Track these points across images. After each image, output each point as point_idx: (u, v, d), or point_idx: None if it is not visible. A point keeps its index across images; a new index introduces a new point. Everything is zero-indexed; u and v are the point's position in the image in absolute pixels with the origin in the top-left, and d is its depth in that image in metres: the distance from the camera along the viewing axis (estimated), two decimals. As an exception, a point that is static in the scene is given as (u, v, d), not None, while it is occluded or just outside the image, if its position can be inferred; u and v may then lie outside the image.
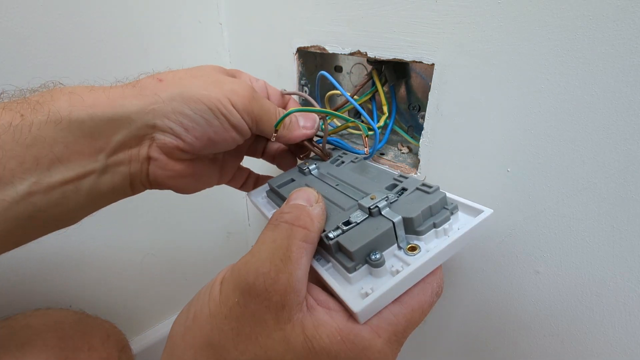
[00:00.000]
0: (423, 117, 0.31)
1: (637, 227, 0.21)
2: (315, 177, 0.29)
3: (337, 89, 0.31)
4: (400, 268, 0.19)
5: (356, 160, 0.29)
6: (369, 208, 0.21)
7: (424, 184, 0.22)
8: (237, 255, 0.77)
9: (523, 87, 0.24)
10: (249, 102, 0.26)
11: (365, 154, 0.30)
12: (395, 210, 0.21)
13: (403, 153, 0.37)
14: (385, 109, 0.35)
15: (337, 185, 0.27)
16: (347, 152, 0.32)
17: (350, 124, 0.31)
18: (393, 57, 0.31)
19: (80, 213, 0.24)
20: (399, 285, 0.18)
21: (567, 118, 0.22)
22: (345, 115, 0.34)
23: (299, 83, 0.43)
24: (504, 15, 0.23)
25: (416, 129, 0.38)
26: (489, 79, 0.25)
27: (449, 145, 0.29)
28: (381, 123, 0.34)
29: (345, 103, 0.36)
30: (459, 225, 0.21)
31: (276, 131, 0.28)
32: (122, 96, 0.23)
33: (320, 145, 0.32)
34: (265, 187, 0.31)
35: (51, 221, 0.22)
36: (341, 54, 0.36)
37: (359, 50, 0.33)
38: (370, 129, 0.31)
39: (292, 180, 0.29)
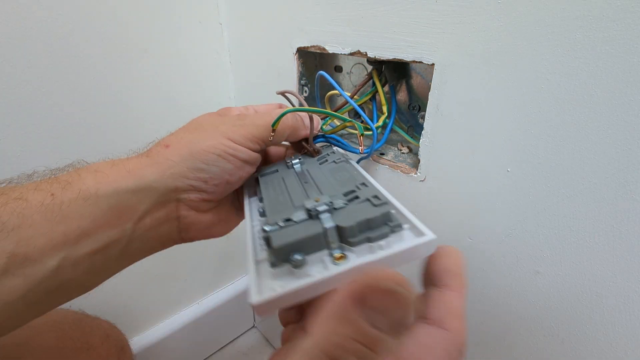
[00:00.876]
0: (423, 117, 0.31)
1: (637, 227, 0.21)
2: (295, 171, 0.30)
3: (336, 89, 0.31)
4: (316, 273, 0.19)
5: (339, 160, 0.29)
6: (309, 210, 0.21)
7: (375, 196, 0.22)
8: (237, 255, 0.77)
9: (523, 87, 0.24)
10: (243, 130, 0.27)
11: (360, 152, 0.30)
12: (335, 217, 0.21)
13: (403, 153, 0.37)
14: (384, 109, 0.35)
15: (305, 182, 0.27)
16: (335, 151, 0.32)
17: (347, 124, 0.31)
18: (393, 57, 0.31)
19: (109, 275, 0.26)
20: (303, 290, 0.18)
21: (567, 118, 0.22)
22: (346, 115, 0.34)
23: (299, 83, 0.43)
24: (504, 15, 0.23)
25: (416, 129, 0.38)
26: (489, 79, 0.25)
27: (449, 145, 0.29)
28: (380, 123, 0.34)
29: (345, 103, 0.36)
30: (398, 244, 0.20)
31: (274, 130, 0.28)
32: (140, 167, 0.24)
33: (316, 142, 0.33)
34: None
35: (80, 288, 0.24)
36: (341, 54, 0.36)
37: (359, 50, 0.33)
38: (367, 129, 0.31)
39: (277, 171, 0.30)
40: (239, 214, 0.32)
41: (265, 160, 0.34)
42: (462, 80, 0.27)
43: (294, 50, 0.41)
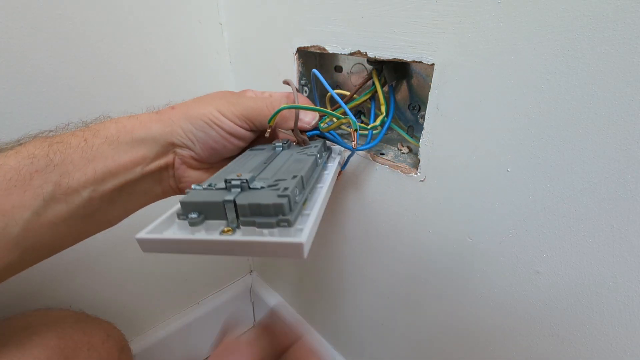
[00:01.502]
0: (423, 117, 0.31)
1: (637, 227, 0.21)
2: (275, 153, 0.32)
3: (337, 89, 0.31)
4: (194, 234, 0.22)
5: (311, 154, 0.30)
6: (226, 181, 0.24)
7: (286, 188, 0.22)
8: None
9: (523, 87, 0.24)
10: (234, 108, 0.30)
11: (352, 148, 0.31)
12: (242, 194, 0.23)
13: (403, 153, 0.37)
14: (383, 108, 0.35)
15: (265, 163, 0.29)
16: (317, 144, 0.32)
17: (343, 120, 0.32)
18: (393, 57, 0.31)
19: (123, 213, 0.31)
20: (177, 242, 0.21)
21: (567, 118, 0.22)
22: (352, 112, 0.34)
23: (299, 83, 0.43)
24: (504, 15, 0.23)
25: (416, 129, 0.38)
26: (489, 78, 0.25)
27: (449, 145, 0.29)
28: (377, 122, 0.34)
29: (347, 101, 0.36)
30: (270, 237, 0.21)
31: (270, 127, 0.31)
32: (149, 121, 0.30)
33: (310, 135, 0.35)
34: None
35: (103, 221, 0.30)
36: (341, 54, 0.36)
37: (359, 50, 0.33)
38: (365, 129, 0.32)
39: (263, 149, 0.33)
40: None
41: (272, 139, 0.37)
42: (462, 80, 0.27)
43: (294, 50, 0.41)
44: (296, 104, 0.31)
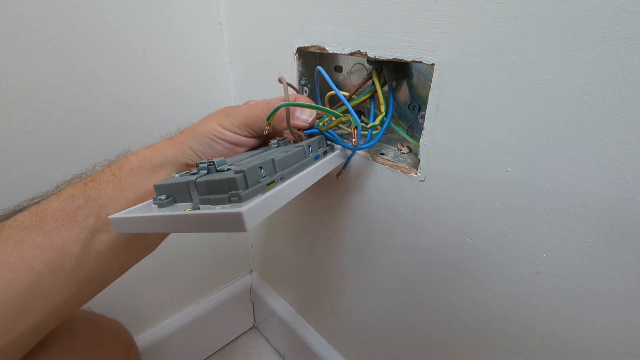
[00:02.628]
0: (423, 117, 0.31)
1: (637, 227, 0.21)
2: (269, 147, 0.33)
3: (336, 87, 0.31)
4: (158, 212, 0.23)
5: (298, 146, 0.30)
6: (197, 165, 0.25)
7: (244, 176, 0.22)
8: (237, 255, 0.77)
9: (523, 87, 0.24)
10: (233, 119, 0.32)
11: (353, 145, 0.31)
12: (207, 176, 0.23)
13: (403, 153, 0.37)
14: (382, 108, 0.35)
15: (257, 154, 0.31)
16: (311, 143, 0.32)
17: (343, 119, 0.32)
18: (393, 57, 0.31)
19: (158, 237, 0.33)
20: (143, 219, 0.23)
21: (567, 118, 0.22)
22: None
23: (299, 83, 0.43)
24: (504, 15, 0.23)
25: (416, 129, 0.38)
26: (489, 78, 0.25)
27: (449, 145, 0.29)
28: (377, 122, 0.34)
29: (347, 100, 0.36)
30: (219, 209, 0.21)
31: (269, 124, 0.32)
32: (164, 147, 0.33)
33: (308, 133, 0.35)
34: None
35: (143, 247, 0.32)
36: (341, 54, 0.36)
37: (359, 50, 0.33)
38: (365, 128, 0.32)
39: (259, 147, 0.35)
40: None
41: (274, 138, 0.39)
42: (462, 80, 0.27)
43: (294, 50, 0.41)
44: (294, 102, 0.31)
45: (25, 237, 0.26)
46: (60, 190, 0.29)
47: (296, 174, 0.26)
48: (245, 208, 0.19)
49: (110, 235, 0.28)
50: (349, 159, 0.35)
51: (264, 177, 0.23)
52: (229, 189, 0.21)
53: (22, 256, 0.25)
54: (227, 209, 0.20)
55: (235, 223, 0.19)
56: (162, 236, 0.34)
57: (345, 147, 0.34)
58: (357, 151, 0.38)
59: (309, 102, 0.34)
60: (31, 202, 0.29)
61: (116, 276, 0.31)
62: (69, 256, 0.26)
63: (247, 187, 0.21)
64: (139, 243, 0.31)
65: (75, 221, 0.27)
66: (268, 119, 0.31)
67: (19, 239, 0.26)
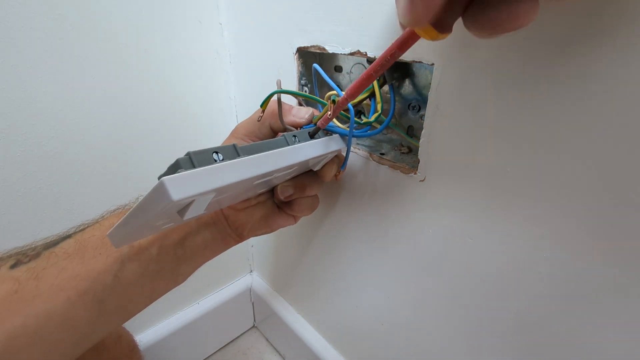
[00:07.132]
0: (423, 117, 0.31)
1: (637, 227, 0.21)
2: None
3: (333, 82, 0.32)
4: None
5: (279, 139, 0.29)
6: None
7: (190, 158, 0.22)
8: (237, 255, 0.77)
9: (523, 87, 0.24)
10: (236, 133, 0.34)
11: (346, 130, 0.31)
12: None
13: (403, 153, 0.37)
14: (379, 106, 0.35)
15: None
16: (297, 134, 0.32)
17: (329, 106, 0.32)
18: (393, 57, 0.31)
19: (188, 269, 0.33)
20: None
21: (567, 118, 0.22)
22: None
23: (299, 83, 0.43)
24: (504, 15, 0.23)
25: (416, 129, 0.38)
26: (489, 78, 0.25)
27: (449, 145, 0.29)
28: (372, 119, 0.34)
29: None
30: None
31: (263, 111, 0.32)
32: None
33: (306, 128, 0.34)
34: None
35: (171, 279, 0.32)
36: (341, 54, 0.36)
37: (358, 50, 0.33)
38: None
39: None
40: (282, 213, 0.37)
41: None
42: (462, 80, 0.27)
43: (294, 50, 0.41)
44: (285, 89, 0.31)
45: (67, 266, 0.26)
46: (103, 219, 0.31)
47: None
48: (168, 177, 0.19)
49: (139, 264, 0.29)
50: (346, 158, 0.35)
51: (222, 159, 0.23)
52: (174, 171, 0.21)
53: (62, 286, 0.26)
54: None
55: (161, 192, 0.19)
56: (191, 268, 0.34)
57: (341, 133, 0.33)
58: (356, 151, 0.38)
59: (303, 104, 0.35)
60: (77, 230, 0.30)
61: (140, 309, 0.32)
62: (101, 286, 0.27)
63: (194, 166, 0.21)
64: (167, 274, 0.31)
65: (112, 250, 0.28)
66: (262, 105, 0.31)
67: (62, 268, 0.26)
